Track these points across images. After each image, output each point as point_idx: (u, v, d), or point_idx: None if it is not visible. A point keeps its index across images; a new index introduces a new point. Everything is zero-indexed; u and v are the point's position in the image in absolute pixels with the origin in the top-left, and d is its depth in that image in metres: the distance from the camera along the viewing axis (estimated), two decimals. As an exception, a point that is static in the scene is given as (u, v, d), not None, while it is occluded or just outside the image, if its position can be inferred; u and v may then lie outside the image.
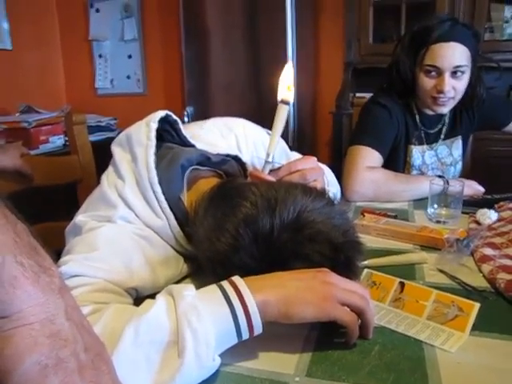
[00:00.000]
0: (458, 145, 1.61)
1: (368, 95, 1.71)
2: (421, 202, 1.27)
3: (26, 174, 1.27)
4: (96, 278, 0.64)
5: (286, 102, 0.77)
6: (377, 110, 1.50)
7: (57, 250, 0.77)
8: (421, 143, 1.54)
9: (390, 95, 1.53)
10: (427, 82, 1.41)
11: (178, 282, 0.78)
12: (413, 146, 1.53)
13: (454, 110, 1.53)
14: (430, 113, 1.50)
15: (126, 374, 0.48)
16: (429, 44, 1.37)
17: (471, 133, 1.69)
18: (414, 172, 1.55)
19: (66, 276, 0.63)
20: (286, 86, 0.78)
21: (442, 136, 1.56)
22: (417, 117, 1.52)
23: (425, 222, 1.11)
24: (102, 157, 1.25)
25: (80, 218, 0.76)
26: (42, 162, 1.45)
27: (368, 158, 1.41)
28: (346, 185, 1.36)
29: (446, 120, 1.56)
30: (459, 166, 1.64)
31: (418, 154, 1.54)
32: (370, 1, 2.76)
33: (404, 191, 1.35)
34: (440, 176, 1.32)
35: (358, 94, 2.90)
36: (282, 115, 0.78)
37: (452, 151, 1.60)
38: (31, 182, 1.29)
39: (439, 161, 1.58)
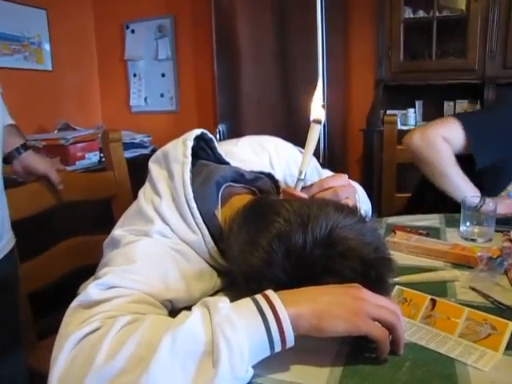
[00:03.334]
0: None
1: (399, 112, 1.70)
2: (453, 220, 1.26)
3: (53, 181, 1.31)
4: (133, 290, 0.66)
5: (318, 122, 0.79)
6: (506, 109, 1.40)
7: (92, 263, 0.81)
8: None
9: None
10: None
11: (211, 295, 0.79)
12: None
13: None
14: None
15: (163, 382, 0.50)
16: None
17: None
18: None
19: (105, 287, 0.66)
20: (318, 105, 0.80)
21: None
22: None
23: (457, 240, 1.10)
24: (136, 173, 1.29)
25: (118, 232, 0.79)
26: (80, 178, 1.51)
27: (450, 131, 1.34)
28: (414, 134, 1.35)
29: None
30: None
31: None
32: (400, 18, 2.77)
33: (448, 182, 1.33)
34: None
35: (388, 111, 2.91)
36: (315, 134, 0.79)
37: None
38: (58, 192, 1.32)
39: None
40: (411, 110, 2.92)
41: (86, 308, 0.63)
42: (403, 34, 2.79)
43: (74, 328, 0.58)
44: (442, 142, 1.33)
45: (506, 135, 1.33)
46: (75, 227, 1.59)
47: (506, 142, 1.33)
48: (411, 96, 2.97)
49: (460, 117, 1.38)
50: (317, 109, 0.80)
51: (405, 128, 2.76)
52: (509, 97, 1.44)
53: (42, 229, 1.75)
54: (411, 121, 2.91)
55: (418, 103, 3.00)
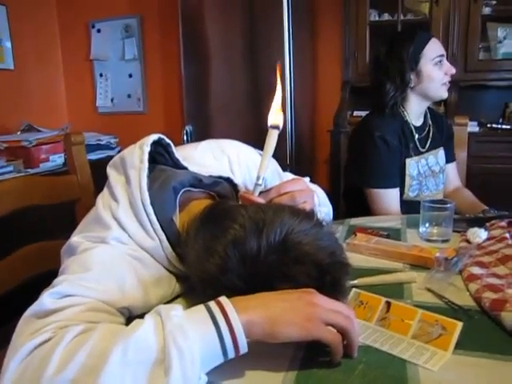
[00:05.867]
0: (441, 154, 1.71)
1: (365, 113, 1.74)
2: (413, 221, 1.29)
3: None
4: (88, 298, 0.66)
5: (275, 127, 0.79)
6: (375, 145, 1.55)
7: (55, 269, 0.79)
8: (416, 154, 1.61)
9: (382, 118, 1.59)
10: (438, 72, 1.55)
11: (171, 300, 0.79)
12: (410, 159, 1.59)
13: (433, 120, 1.68)
14: (418, 124, 1.63)
15: (114, 393, 0.50)
16: (424, 44, 1.53)
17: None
18: (414, 182, 1.61)
19: (59, 296, 0.64)
20: (275, 110, 0.80)
21: (428, 146, 1.65)
22: (412, 127, 1.61)
23: (417, 241, 1.12)
24: (102, 175, 1.26)
25: (75, 238, 0.78)
26: (41, 182, 1.47)
27: (391, 200, 1.55)
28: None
29: (430, 130, 1.66)
30: (444, 174, 1.73)
31: (414, 164, 1.61)
32: (366, 21, 2.81)
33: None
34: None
35: (355, 113, 2.94)
36: (272, 139, 0.80)
37: (438, 160, 1.69)
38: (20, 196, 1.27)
39: (430, 169, 1.66)
40: (377, 112, 2.95)
41: (39, 318, 0.62)
42: (369, 36, 2.83)
43: (25, 339, 0.57)
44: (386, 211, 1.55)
45: (389, 159, 1.56)
46: (38, 232, 1.55)
47: (394, 162, 1.57)
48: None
49: (378, 184, 1.57)
50: (274, 114, 0.80)
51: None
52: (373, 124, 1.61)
53: (4, 233, 1.71)
54: (377, 122, 2.93)
55: (383, 104, 3.03)
